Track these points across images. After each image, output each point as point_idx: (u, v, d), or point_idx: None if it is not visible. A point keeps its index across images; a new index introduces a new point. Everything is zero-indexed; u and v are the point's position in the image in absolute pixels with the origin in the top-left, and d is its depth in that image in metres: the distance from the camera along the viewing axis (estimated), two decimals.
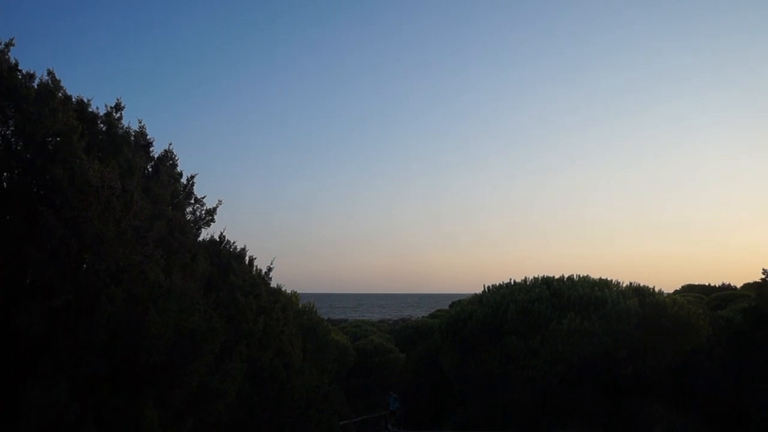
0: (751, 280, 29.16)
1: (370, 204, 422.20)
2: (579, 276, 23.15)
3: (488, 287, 24.40)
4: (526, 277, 23.83)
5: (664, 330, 20.56)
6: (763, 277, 19.44)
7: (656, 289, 22.73)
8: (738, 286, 35.91)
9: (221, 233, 12.68)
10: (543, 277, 23.40)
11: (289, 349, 11.24)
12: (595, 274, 23.49)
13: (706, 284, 39.49)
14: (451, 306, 33.22)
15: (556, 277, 23.26)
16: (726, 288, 36.70)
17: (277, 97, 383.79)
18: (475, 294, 24.94)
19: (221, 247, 12.25)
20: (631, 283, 22.97)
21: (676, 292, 35.53)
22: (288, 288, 20.22)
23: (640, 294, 21.89)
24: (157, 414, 7.58)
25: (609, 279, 22.96)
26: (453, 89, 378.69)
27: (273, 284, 14.51)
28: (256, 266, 13.44)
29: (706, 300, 30.20)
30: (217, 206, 12.26)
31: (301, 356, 12.54)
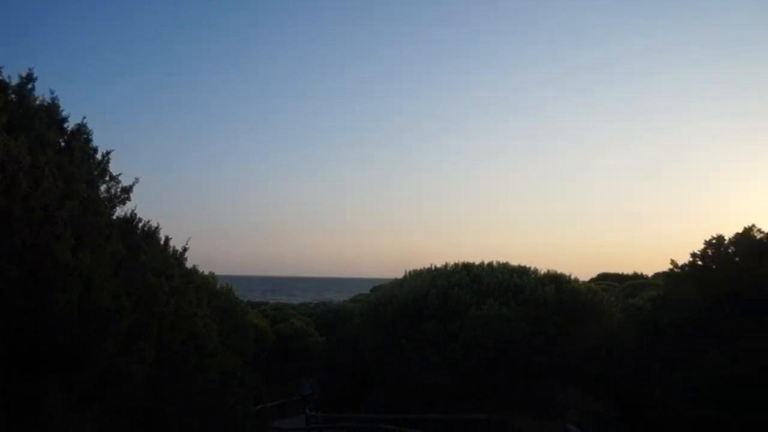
0: (661, 270, 30.37)
1: (294, 188, 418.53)
2: (499, 263, 23.66)
3: (409, 272, 24.64)
4: (447, 263, 24.18)
5: (579, 316, 21.24)
6: (671, 267, 20.22)
7: (572, 277, 23.46)
8: (649, 275, 37.43)
9: (133, 211, 12.27)
10: (464, 264, 23.79)
11: (202, 332, 11.04)
12: (514, 262, 24.06)
13: (620, 273, 41.00)
14: (372, 290, 33.43)
15: (477, 263, 23.70)
16: (638, 277, 38.19)
17: (212, 73, 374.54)
18: (396, 279, 25.16)
19: (134, 226, 11.88)
20: (548, 271, 23.64)
21: (591, 280, 36.72)
22: (211, 270, 19.94)
23: (557, 281, 22.54)
24: (62, 398, 7.32)
25: (528, 266, 23.57)
26: (360, 67, 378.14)
27: (189, 265, 14.22)
28: (173, 246, 13.12)
29: (619, 288, 31.36)
30: (133, 184, 11.86)
31: (216, 339, 12.34)
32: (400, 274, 25.08)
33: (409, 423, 19.50)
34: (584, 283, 25.52)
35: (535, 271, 23.40)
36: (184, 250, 13.35)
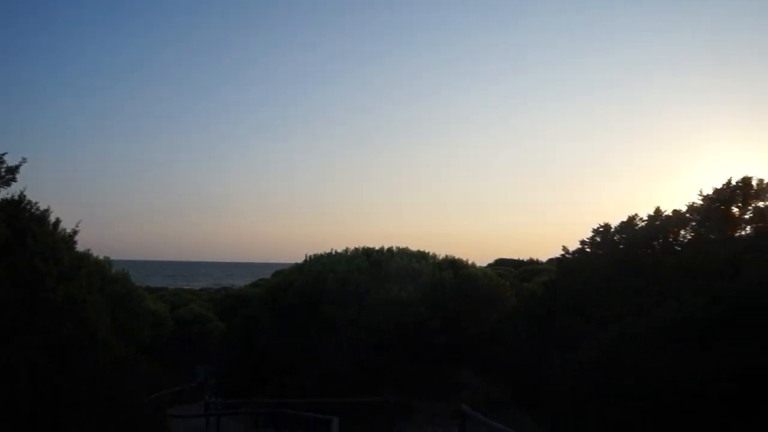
0: (555, 256, 31.55)
1: (198, 171, 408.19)
2: (398, 248, 24.01)
3: (310, 257, 24.65)
4: (347, 248, 24.34)
5: (476, 300, 21.86)
6: (563, 253, 21.10)
7: (470, 262, 24.10)
8: (544, 261, 38.91)
9: (21, 192, 11.74)
10: (364, 248, 24.02)
11: (93, 318, 10.73)
12: (414, 247, 24.48)
13: (517, 259, 42.44)
14: (273, 275, 33.26)
15: (377, 248, 23.97)
16: (534, 263, 39.62)
17: (113, 50, 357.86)
18: (297, 263, 25.13)
19: (21, 208, 11.39)
20: (447, 256, 24.19)
21: (489, 265, 37.79)
22: (107, 254, 19.36)
23: (455, 266, 23.12)
24: None
25: (427, 252, 24.03)
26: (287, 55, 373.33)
27: (81, 249, 13.78)
28: (64, 229, 12.67)
29: (515, 273, 32.39)
30: (20, 164, 11.40)
31: (108, 326, 12.02)
32: (301, 259, 25.07)
33: (308, 407, 19.57)
34: (481, 268, 26.27)
35: (434, 256, 23.93)
36: (74, 232, 12.90)
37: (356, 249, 24.08)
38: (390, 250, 23.81)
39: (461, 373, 21.83)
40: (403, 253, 23.50)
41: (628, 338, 12.82)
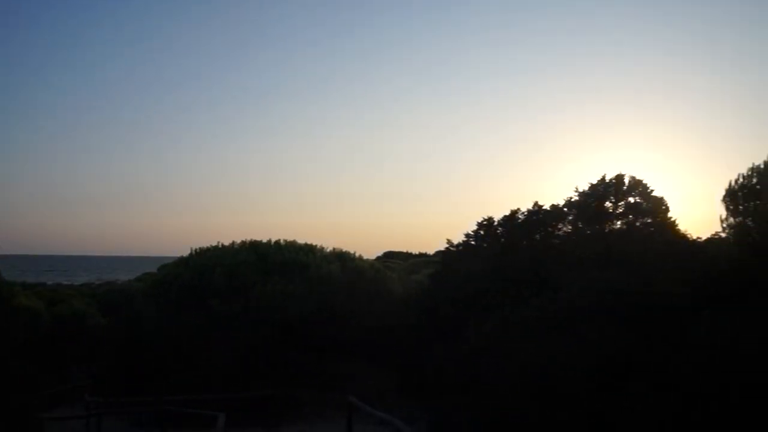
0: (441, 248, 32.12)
1: (79, 162, 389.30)
2: (286, 241, 23.86)
3: (195, 250, 24.11)
4: (234, 241, 23.96)
5: (363, 292, 22.02)
6: (448, 245, 21.58)
7: (358, 255, 24.24)
8: (432, 253, 39.60)
9: None
10: (251, 241, 23.72)
11: None
12: (302, 240, 24.37)
13: (406, 251, 43.03)
14: (159, 269, 32.26)
15: (264, 241, 23.73)
16: (422, 255, 40.26)
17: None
18: (182, 257, 24.51)
19: None
20: (334, 249, 24.25)
21: (378, 258, 38.17)
22: None
23: (343, 259, 23.21)
24: None
25: (314, 244, 24.00)
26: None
27: None
28: None
29: (404, 266, 32.82)
30: None
31: None
32: (186, 253, 24.45)
33: (194, 403, 19.12)
34: (369, 260, 26.46)
35: (322, 249, 23.93)
36: None
37: (243, 242, 23.76)
38: (277, 243, 23.62)
39: (350, 364, 21.90)
40: (291, 246, 23.37)
41: (507, 326, 13.27)
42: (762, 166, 11.19)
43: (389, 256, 40.85)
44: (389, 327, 22.29)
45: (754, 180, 11.16)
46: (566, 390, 10.32)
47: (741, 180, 11.42)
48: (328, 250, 24.02)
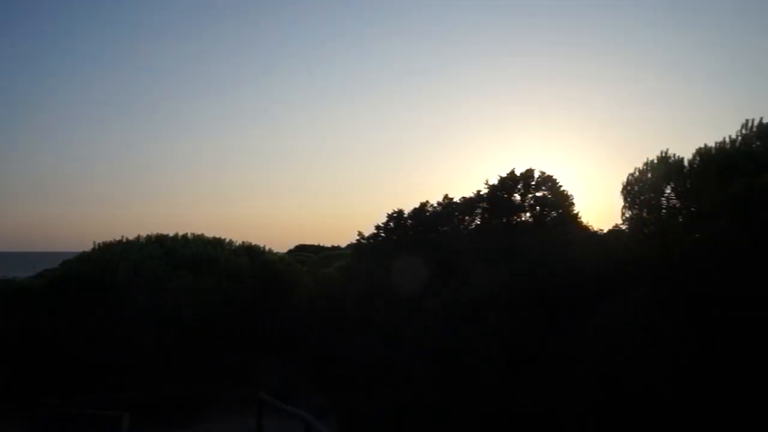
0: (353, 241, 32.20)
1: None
2: (194, 234, 23.41)
3: (99, 245, 23.32)
4: (139, 235, 23.31)
5: (273, 287, 21.87)
6: (358, 238, 21.65)
7: (268, 248, 24.04)
8: (344, 246, 39.62)
9: None
10: (157, 235, 23.14)
11: None
12: (211, 233, 23.96)
13: (318, 245, 42.85)
14: (60, 265, 30.96)
15: (171, 235, 23.20)
16: (334, 248, 40.21)
17: None
18: (84, 252, 23.66)
19: None
20: (243, 242, 23.95)
21: (290, 251, 37.89)
22: None
23: (252, 253, 22.96)
24: None
25: (223, 238, 23.65)
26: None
27: None
28: None
29: (315, 259, 32.71)
30: None
31: None
32: (89, 248, 23.59)
33: (97, 404, 18.50)
34: (279, 254, 26.28)
35: (231, 242, 23.61)
36: None
37: (149, 236, 23.12)
38: (185, 236, 23.12)
39: (261, 359, 21.74)
40: (199, 240, 22.93)
41: (417, 317, 13.47)
42: (655, 161, 11.74)
43: (301, 249, 40.61)
44: (300, 320, 22.23)
45: (648, 174, 11.70)
46: (474, 377, 10.58)
47: (636, 174, 11.96)
48: (237, 244, 23.71)
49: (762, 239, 9.59)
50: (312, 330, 21.79)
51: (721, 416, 10.16)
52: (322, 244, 43.09)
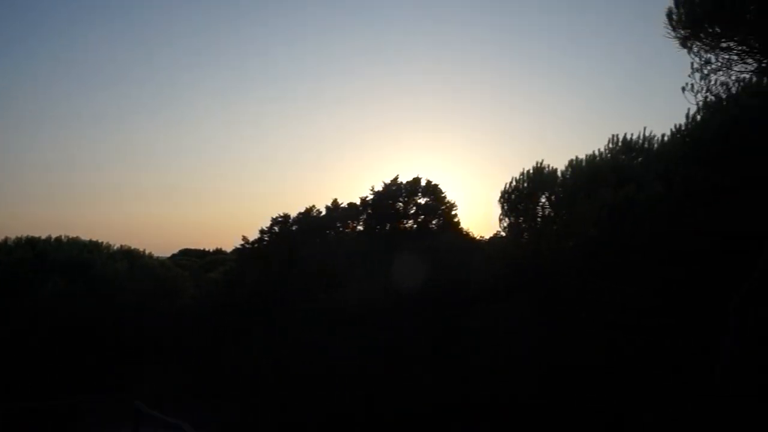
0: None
1: None
2: (68, 237, 22.39)
3: None
4: (7, 237, 22.08)
5: (152, 292, 21.22)
6: (243, 243, 21.37)
7: (148, 252, 23.34)
8: (229, 251, 38.94)
9: None
10: (27, 238, 21.96)
11: None
12: (87, 236, 23.00)
13: (203, 249, 41.85)
14: None
15: (43, 237, 22.10)
16: (219, 252, 39.41)
17: None
18: None
19: None
20: (122, 246, 23.14)
21: (173, 255, 36.86)
22: None
23: (131, 257, 22.21)
24: None
25: (100, 241, 22.77)
26: None
27: None
28: None
29: (200, 263, 31.99)
30: None
31: None
32: None
33: None
34: (160, 258, 25.58)
35: (108, 246, 22.74)
36: None
37: (18, 238, 21.93)
38: (58, 239, 22.07)
39: (139, 368, 21.02)
40: (73, 243, 21.95)
41: (299, 323, 13.45)
42: (531, 171, 12.23)
43: (186, 254, 39.54)
44: (182, 327, 21.68)
45: (525, 184, 12.17)
46: (357, 381, 10.67)
47: (513, 183, 12.42)
48: (115, 248, 22.86)
49: (627, 246, 10.17)
50: (194, 337, 21.29)
51: (587, 412, 10.76)
52: (207, 249, 42.14)
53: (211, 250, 41.14)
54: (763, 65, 9.49)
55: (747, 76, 9.71)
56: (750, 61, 9.58)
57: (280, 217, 21.10)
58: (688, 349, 10.18)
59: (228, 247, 41.14)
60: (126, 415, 17.74)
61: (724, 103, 9.75)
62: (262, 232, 21.14)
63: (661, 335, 9.92)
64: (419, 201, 19.61)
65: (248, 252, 21.41)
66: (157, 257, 24.98)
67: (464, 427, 9.69)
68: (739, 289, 8.99)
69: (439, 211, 19.45)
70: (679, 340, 9.81)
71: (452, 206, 19.66)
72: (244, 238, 21.44)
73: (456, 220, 19.28)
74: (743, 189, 10.28)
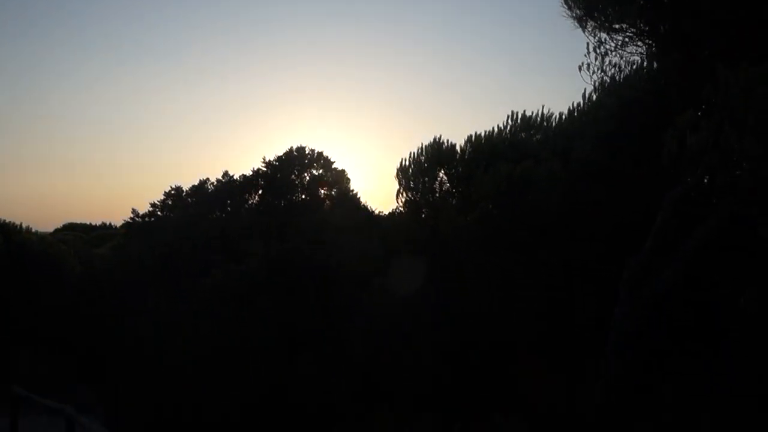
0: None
1: None
2: None
3: None
4: None
5: (31, 270, 20.22)
6: (132, 216, 20.62)
7: (26, 227, 22.12)
8: (119, 225, 37.40)
9: None
10: None
11: None
12: None
13: (89, 223, 39.97)
14: None
15: None
16: (107, 227, 37.81)
17: None
18: None
19: None
20: None
21: (57, 230, 35.14)
22: None
23: (6, 232, 20.98)
24: None
25: None
26: None
27: None
28: None
29: (87, 239, 30.66)
30: None
31: None
32: None
33: None
34: (41, 234, 24.32)
35: None
36: None
37: None
38: None
39: (16, 351, 20.01)
40: None
41: (190, 299, 13.07)
42: (429, 146, 12.20)
43: (70, 228, 37.72)
44: (65, 308, 20.75)
45: (423, 158, 12.13)
46: (246, 361, 10.46)
47: (411, 158, 12.36)
48: None
49: (524, 221, 10.33)
50: (78, 318, 20.42)
51: (489, 385, 10.97)
52: (92, 223, 40.28)
53: (97, 225, 39.40)
54: (653, 49, 9.79)
55: (638, 58, 9.99)
56: (640, 43, 9.86)
57: (173, 189, 20.44)
58: (585, 324, 10.55)
59: (117, 221, 39.58)
60: (2, 401, 16.87)
61: (618, 84, 9.99)
62: (153, 205, 20.41)
63: (559, 310, 10.18)
64: (312, 172, 19.35)
65: (139, 226, 20.65)
66: (37, 231, 23.67)
67: (366, 406, 9.66)
68: (630, 263, 9.30)
69: (333, 183, 19.25)
70: (575, 314, 10.10)
71: (345, 177, 19.48)
72: (134, 211, 20.66)
73: (352, 192, 19.12)
74: (635, 168, 10.65)
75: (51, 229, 34.33)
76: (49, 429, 14.27)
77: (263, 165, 19.38)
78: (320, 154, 19.44)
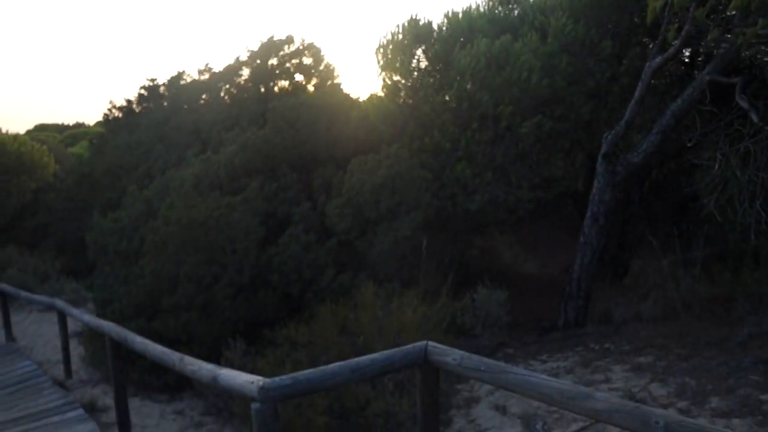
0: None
1: None
2: None
3: None
4: None
5: (7, 169, 20.35)
6: (109, 109, 20.66)
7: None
8: (92, 124, 37.30)
9: None
10: None
11: None
12: None
13: (61, 123, 39.86)
14: None
15: None
16: (80, 126, 37.73)
17: None
18: None
19: None
20: None
21: (29, 131, 35.06)
22: None
23: None
24: None
25: None
26: None
27: None
28: None
29: (59, 138, 30.66)
30: None
31: None
32: None
33: None
34: (15, 134, 24.35)
35: None
36: None
37: None
38: None
39: (4, 250, 20.43)
40: None
41: (170, 189, 13.32)
42: (406, 24, 12.21)
43: (42, 129, 37.58)
44: (45, 205, 21.05)
45: (400, 36, 12.16)
46: (233, 246, 10.82)
47: (389, 37, 12.37)
48: None
49: (502, 96, 10.62)
50: (59, 213, 20.73)
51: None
52: (66, 123, 40.12)
53: (70, 124, 39.32)
54: None
55: None
56: None
57: (149, 83, 20.39)
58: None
59: (90, 121, 39.45)
60: None
61: None
62: (128, 101, 20.42)
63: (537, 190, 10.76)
64: (298, 60, 19.21)
65: (115, 120, 20.72)
66: (8, 132, 23.70)
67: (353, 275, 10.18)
68: (606, 137, 9.70)
69: (317, 71, 19.14)
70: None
71: (332, 69, 19.37)
72: (111, 103, 20.67)
73: (336, 81, 19.06)
74: (612, 41, 10.90)
75: (23, 130, 34.28)
76: (41, 323, 14.85)
77: (247, 53, 19.18)
78: (311, 44, 19.12)
